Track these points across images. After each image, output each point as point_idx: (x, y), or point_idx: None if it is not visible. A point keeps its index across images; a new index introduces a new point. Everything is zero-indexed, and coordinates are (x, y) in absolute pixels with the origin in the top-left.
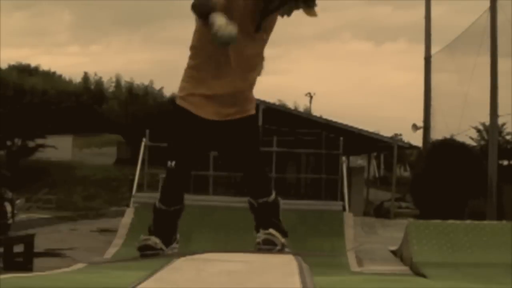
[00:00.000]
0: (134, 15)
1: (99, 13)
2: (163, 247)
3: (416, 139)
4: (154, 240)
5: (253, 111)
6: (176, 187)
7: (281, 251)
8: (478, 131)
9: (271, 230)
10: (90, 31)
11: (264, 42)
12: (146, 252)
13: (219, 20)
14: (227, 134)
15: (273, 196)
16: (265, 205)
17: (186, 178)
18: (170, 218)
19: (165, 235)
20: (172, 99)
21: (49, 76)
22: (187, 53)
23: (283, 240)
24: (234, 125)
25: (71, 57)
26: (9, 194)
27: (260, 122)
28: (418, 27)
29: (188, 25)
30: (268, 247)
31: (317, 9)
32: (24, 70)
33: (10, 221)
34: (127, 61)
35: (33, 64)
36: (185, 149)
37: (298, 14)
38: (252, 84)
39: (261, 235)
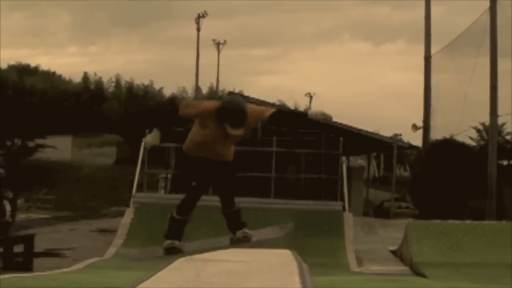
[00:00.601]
0: (132, 15)
1: (98, 14)
2: (179, 245)
3: (416, 139)
4: (176, 242)
5: (229, 158)
6: (193, 201)
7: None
8: (478, 131)
9: (245, 229)
10: (89, 32)
11: (236, 138)
12: (171, 251)
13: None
14: (213, 168)
15: (235, 207)
16: (231, 212)
17: (199, 195)
18: (183, 225)
19: (179, 237)
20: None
21: (49, 76)
22: (186, 52)
23: (250, 232)
24: (217, 164)
25: (70, 58)
26: (10, 194)
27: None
28: (417, 28)
29: (186, 26)
30: (246, 239)
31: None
32: (24, 70)
33: (9, 219)
34: (126, 62)
35: (32, 64)
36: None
37: (297, 14)
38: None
39: (240, 233)
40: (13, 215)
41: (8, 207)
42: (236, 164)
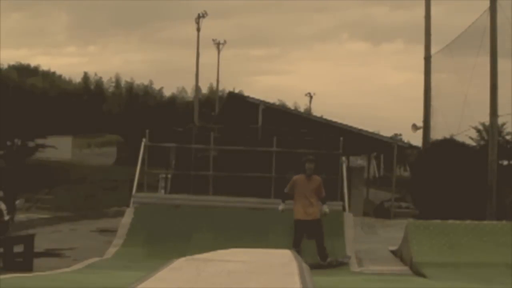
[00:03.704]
0: (131, 15)
1: (97, 14)
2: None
3: (416, 139)
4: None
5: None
6: None
7: None
8: (478, 131)
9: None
10: (88, 32)
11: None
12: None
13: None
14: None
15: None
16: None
17: None
18: None
19: None
20: None
21: (49, 76)
22: (186, 52)
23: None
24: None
25: (69, 58)
26: (1, 193)
27: (260, 122)
28: (415, 28)
29: (186, 26)
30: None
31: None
32: (24, 70)
33: (6, 218)
34: (126, 61)
35: (32, 64)
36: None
37: (296, 14)
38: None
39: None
40: (11, 214)
41: (3, 206)
42: (238, 165)
